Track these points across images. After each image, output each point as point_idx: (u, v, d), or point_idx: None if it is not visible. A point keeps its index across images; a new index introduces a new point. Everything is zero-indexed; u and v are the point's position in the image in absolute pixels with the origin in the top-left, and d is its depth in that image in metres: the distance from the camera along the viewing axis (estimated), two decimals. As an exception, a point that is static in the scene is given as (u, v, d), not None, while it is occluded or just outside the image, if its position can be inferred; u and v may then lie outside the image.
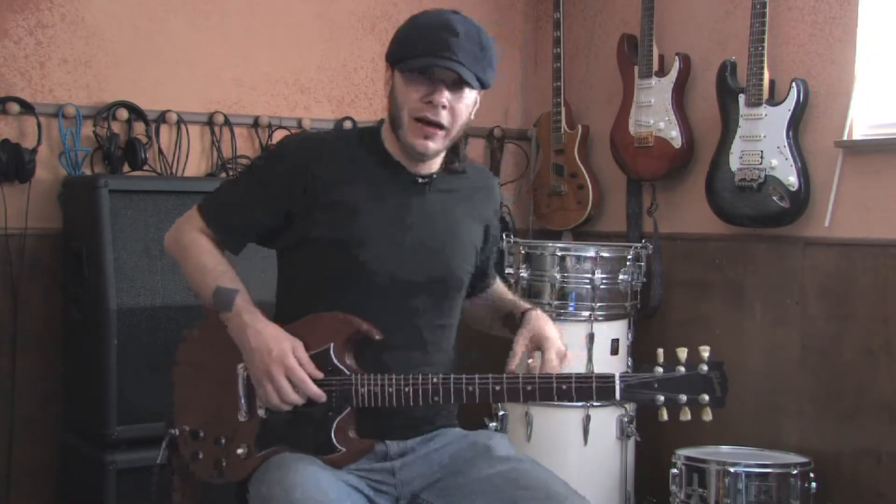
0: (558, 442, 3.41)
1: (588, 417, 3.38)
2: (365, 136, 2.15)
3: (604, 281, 3.48)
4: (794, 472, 3.06)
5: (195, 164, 3.66)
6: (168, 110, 3.58)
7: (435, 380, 1.95)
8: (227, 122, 3.70)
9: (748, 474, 3.05)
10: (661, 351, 1.95)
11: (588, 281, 3.46)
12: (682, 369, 1.92)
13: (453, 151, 2.14)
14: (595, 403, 3.38)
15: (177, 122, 3.60)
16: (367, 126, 2.21)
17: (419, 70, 2.00)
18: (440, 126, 2.01)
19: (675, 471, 3.18)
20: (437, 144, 2.03)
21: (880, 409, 3.21)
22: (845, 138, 3.28)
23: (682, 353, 1.93)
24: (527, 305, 2.19)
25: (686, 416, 1.92)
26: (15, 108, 3.32)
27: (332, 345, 1.99)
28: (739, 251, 3.62)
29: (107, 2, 3.50)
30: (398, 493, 2.05)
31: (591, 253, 3.49)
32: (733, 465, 3.07)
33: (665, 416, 1.94)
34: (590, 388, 1.93)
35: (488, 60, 2.01)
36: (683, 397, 1.91)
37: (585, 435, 3.39)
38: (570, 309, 3.47)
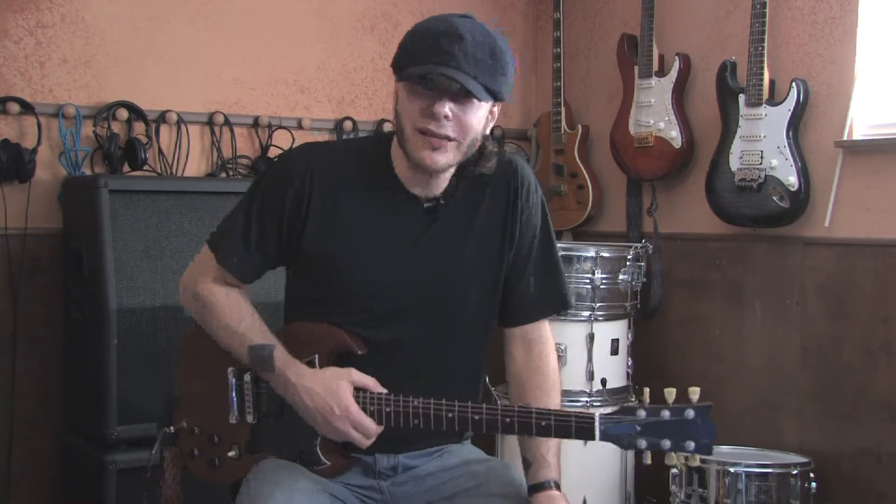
0: (558, 442, 3.40)
1: (588, 417, 3.37)
2: (374, 152, 2.02)
3: (604, 281, 3.48)
4: (794, 472, 3.06)
5: (195, 164, 3.66)
6: (168, 110, 3.58)
7: (416, 403, 1.91)
8: (227, 122, 3.70)
9: (748, 474, 3.05)
10: (647, 390, 1.84)
11: (588, 281, 3.46)
12: (667, 413, 1.78)
13: (469, 161, 1.98)
14: (595, 403, 3.38)
15: (177, 122, 3.60)
16: (377, 139, 2.07)
17: (418, 79, 1.84)
18: (447, 137, 1.86)
19: (675, 471, 3.17)
20: (446, 157, 1.88)
21: (880, 409, 3.21)
22: (845, 138, 3.28)
23: (671, 394, 1.81)
24: (542, 476, 2.00)
25: (672, 461, 1.80)
26: (15, 108, 3.32)
27: (316, 356, 1.97)
28: (739, 251, 3.62)
29: (107, 2, 3.50)
30: None
31: (591, 253, 3.49)
32: (733, 465, 3.07)
33: (649, 461, 1.82)
34: (569, 427, 1.83)
35: (500, 69, 1.84)
36: (667, 443, 1.78)
37: (585, 435, 3.39)
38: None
